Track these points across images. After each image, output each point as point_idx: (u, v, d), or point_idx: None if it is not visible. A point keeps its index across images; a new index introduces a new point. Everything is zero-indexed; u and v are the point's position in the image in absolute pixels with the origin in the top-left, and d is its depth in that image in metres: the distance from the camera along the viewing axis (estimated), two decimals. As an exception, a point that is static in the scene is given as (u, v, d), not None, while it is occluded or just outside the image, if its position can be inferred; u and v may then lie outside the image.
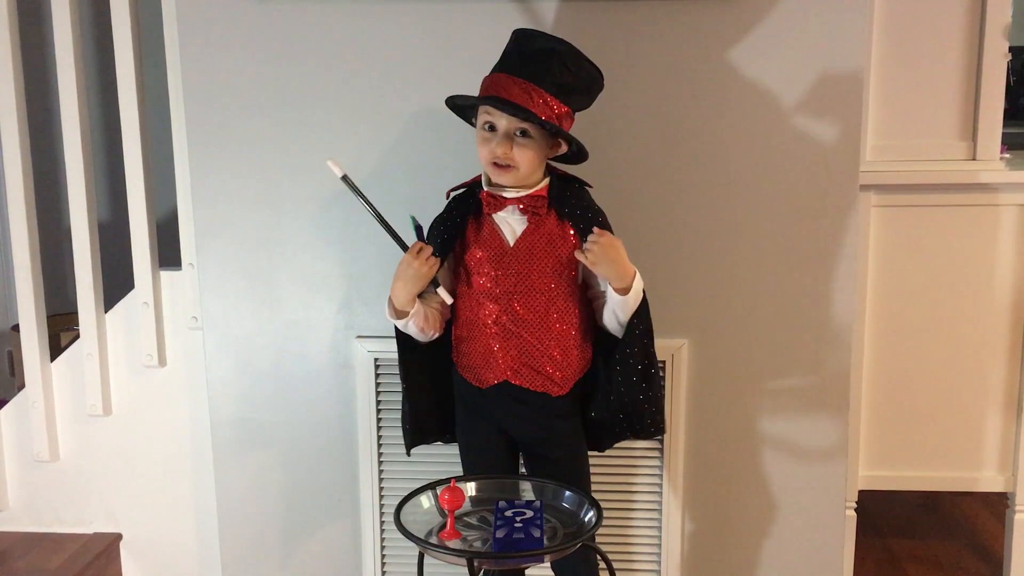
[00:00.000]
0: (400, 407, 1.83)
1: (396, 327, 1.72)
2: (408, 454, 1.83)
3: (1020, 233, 2.27)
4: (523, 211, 1.65)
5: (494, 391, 1.69)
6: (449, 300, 1.67)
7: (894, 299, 2.30)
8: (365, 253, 2.05)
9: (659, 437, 1.79)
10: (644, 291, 1.65)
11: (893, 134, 2.28)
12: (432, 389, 1.80)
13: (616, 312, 1.65)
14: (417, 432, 1.81)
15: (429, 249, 1.62)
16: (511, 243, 1.65)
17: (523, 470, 1.82)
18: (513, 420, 1.72)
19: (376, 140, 2.02)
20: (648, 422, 1.73)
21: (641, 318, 1.65)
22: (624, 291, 1.61)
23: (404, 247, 1.64)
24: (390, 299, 1.67)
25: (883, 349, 2.32)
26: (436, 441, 1.85)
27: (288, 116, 2.02)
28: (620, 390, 1.68)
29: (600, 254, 1.58)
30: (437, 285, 1.65)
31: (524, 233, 1.65)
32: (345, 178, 1.62)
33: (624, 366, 1.66)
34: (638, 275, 1.62)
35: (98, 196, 2.31)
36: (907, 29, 2.23)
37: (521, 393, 1.68)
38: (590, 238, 1.59)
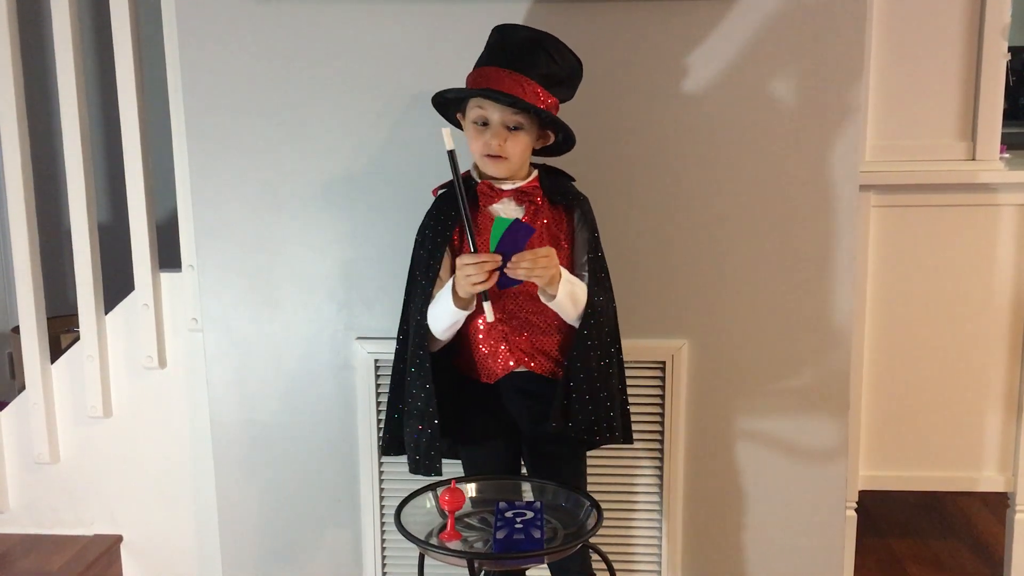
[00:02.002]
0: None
1: (427, 366, 1.65)
2: (441, 474, 1.70)
3: (1020, 233, 2.27)
4: (519, 201, 1.66)
5: (502, 385, 1.69)
6: (491, 317, 1.59)
7: (894, 299, 2.30)
8: (365, 254, 2.05)
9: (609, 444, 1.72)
10: (596, 302, 1.62)
11: (893, 134, 2.28)
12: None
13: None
14: (439, 450, 1.71)
15: (493, 267, 1.53)
16: None
17: (523, 470, 1.82)
18: (521, 414, 1.71)
19: (376, 140, 2.01)
20: (595, 430, 1.66)
21: (589, 324, 1.62)
22: (553, 296, 1.59)
23: (473, 246, 1.57)
24: (454, 289, 1.61)
25: (883, 349, 2.31)
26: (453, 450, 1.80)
27: (288, 117, 2.02)
28: (582, 388, 1.63)
29: (545, 267, 1.54)
30: (486, 298, 1.59)
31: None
32: (451, 153, 1.55)
33: (578, 367, 1.63)
34: (564, 277, 1.59)
35: (98, 198, 2.31)
36: (906, 29, 2.23)
37: (530, 384, 1.68)
38: (517, 265, 1.52)
